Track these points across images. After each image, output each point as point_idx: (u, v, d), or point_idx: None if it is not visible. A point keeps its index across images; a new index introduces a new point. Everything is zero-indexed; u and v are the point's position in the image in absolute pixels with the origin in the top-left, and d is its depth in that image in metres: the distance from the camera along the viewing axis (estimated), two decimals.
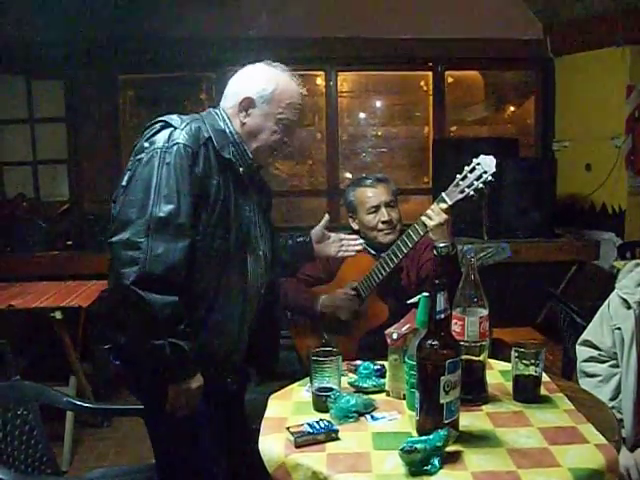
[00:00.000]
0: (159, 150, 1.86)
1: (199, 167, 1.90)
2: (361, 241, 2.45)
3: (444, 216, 2.37)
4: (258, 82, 2.01)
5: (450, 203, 2.37)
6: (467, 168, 2.35)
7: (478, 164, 2.33)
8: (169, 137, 1.89)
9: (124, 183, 1.90)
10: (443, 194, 2.39)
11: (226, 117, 2.03)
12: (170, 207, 1.82)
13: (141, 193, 1.84)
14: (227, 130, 2.01)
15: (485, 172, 2.31)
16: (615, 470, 1.58)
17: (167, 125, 1.92)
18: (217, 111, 2.05)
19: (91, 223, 4.59)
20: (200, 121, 1.98)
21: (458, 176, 2.36)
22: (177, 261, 1.81)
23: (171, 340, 1.80)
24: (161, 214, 1.81)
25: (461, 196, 2.35)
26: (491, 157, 2.32)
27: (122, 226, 1.82)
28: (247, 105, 2.00)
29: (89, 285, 3.91)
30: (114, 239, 1.82)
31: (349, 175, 5.79)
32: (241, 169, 2.02)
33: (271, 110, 2.00)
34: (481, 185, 2.32)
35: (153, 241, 1.79)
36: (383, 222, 2.73)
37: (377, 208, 2.74)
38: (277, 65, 2.06)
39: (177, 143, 1.87)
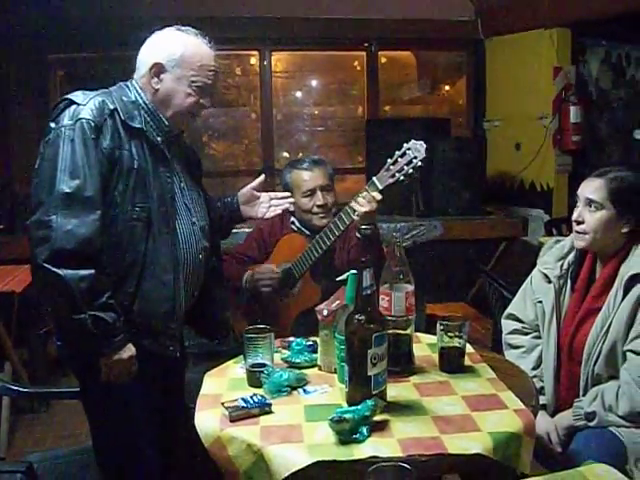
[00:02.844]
0: (63, 128, 1.87)
1: (106, 139, 1.90)
2: (291, 200, 2.46)
3: (374, 205, 2.42)
4: (167, 47, 2.01)
5: (381, 187, 2.42)
6: (398, 153, 2.40)
7: (408, 149, 2.39)
8: (73, 114, 1.89)
9: (36, 166, 1.91)
10: (374, 178, 2.44)
11: (138, 87, 2.03)
12: (76, 182, 1.83)
13: (49, 173, 1.85)
14: (139, 100, 2.02)
15: (415, 157, 2.37)
16: (532, 433, 1.67)
17: (71, 103, 1.92)
18: (127, 84, 2.05)
19: (22, 206, 4.49)
20: (106, 94, 1.98)
21: (389, 160, 2.41)
22: (88, 234, 1.83)
23: (92, 313, 1.82)
24: (68, 190, 1.82)
25: (391, 180, 2.41)
26: (421, 142, 2.38)
27: (35, 207, 1.84)
28: (158, 71, 2.00)
29: (22, 269, 3.81)
30: (28, 221, 1.85)
31: (285, 154, 5.80)
32: (158, 138, 2.03)
33: (183, 73, 2.00)
34: (411, 170, 2.38)
35: (62, 217, 1.81)
36: (318, 206, 2.76)
37: (313, 192, 2.77)
38: (187, 29, 2.06)
39: (80, 119, 1.88)
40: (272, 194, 2.42)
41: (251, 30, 5.21)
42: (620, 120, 5.14)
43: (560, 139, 4.96)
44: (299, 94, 5.93)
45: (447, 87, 6.12)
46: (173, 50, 2.00)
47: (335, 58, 5.87)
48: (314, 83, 5.95)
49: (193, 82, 2.01)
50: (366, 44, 5.62)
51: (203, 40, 2.05)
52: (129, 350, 1.91)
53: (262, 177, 2.41)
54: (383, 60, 5.76)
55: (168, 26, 2.06)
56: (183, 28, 2.05)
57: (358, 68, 5.83)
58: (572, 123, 4.86)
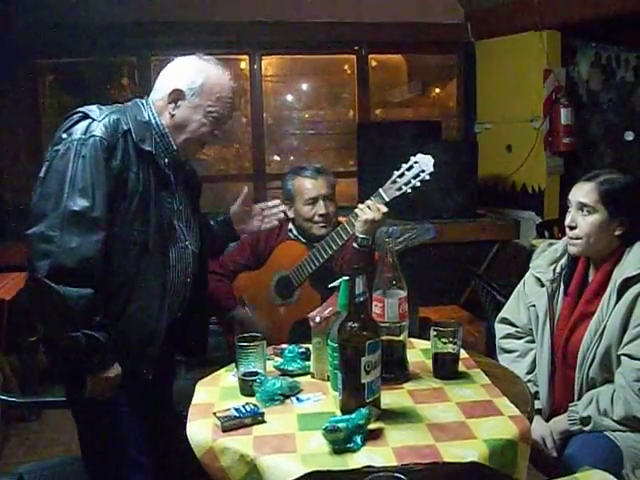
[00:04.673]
0: (75, 142, 1.85)
1: (116, 159, 1.89)
2: (282, 208, 2.46)
3: (378, 215, 2.39)
4: (188, 74, 2.01)
5: (387, 200, 2.42)
6: (405, 165, 2.40)
7: (416, 162, 2.39)
8: (86, 129, 1.88)
9: (42, 174, 1.88)
10: (380, 190, 2.43)
11: (153, 108, 2.02)
12: (85, 201, 1.82)
13: (56, 186, 1.83)
14: (152, 121, 2.01)
15: (423, 171, 2.37)
16: (527, 439, 1.66)
17: (85, 116, 1.91)
18: (143, 102, 2.05)
19: (12, 213, 4.46)
20: (121, 112, 1.97)
21: (395, 172, 2.41)
22: (91, 254, 1.81)
23: (86, 332, 1.81)
24: (75, 208, 1.81)
25: (398, 193, 2.41)
26: (429, 157, 2.39)
27: (37, 219, 1.82)
28: (176, 97, 2.00)
29: (12, 277, 3.81)
30: (29, 232, 1.82)
31: (277, 158, 5.79)
32: (165, 160, 2.02)
33: (201, 103, 2.00)
34: (418, 183, 2.38)
35: (67, 235, 1.79)
36: (320, 215, 2.74)
37: (315, 200, 2.75)
38: (209, 59, 2.06)
39: (93, 135, 1.86)
40: (262, 205, 2.42)
41: (241, 34, 5.19)
42: (611, 121, 5.16)
43: (551, 141, 4.96)
44: (290, 98, 5.90)
45: (438, 90, 6.11)
46: (194, 78, 2.00)
47: (325, 62, 5.86)
48: (305, 87, 5.94)
49: (210, 112, 2.01)
50: (356, 47, 5.60)
51: (224, 71, 2.06)
52: (116, 369, 1.91)
53: (246, 190, 2.41)
54: (373, 63, 5.75)
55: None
56: (206, 57, 2.06)
57: (348, 72, 5.82)
58: (563, 125, 4.86)
